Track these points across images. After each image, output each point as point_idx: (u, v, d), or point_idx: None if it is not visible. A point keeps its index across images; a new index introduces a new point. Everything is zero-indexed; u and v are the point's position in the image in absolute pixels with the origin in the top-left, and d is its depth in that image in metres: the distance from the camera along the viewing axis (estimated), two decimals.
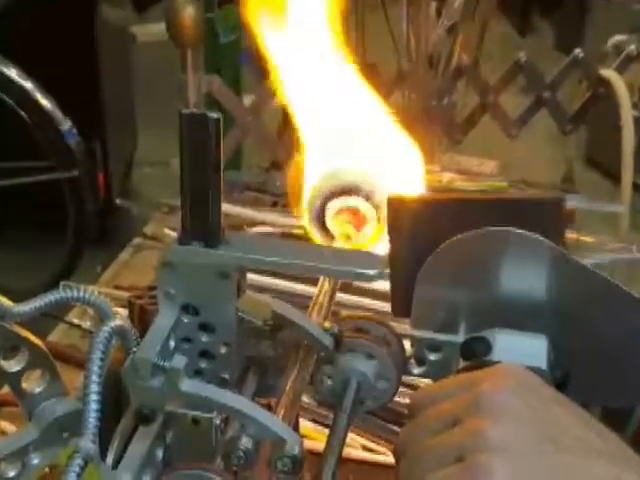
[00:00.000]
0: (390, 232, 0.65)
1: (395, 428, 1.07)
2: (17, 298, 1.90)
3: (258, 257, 0.55)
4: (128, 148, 3.21)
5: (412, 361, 0.67)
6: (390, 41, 1.78)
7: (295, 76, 0.74)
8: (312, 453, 0.98)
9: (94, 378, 0.53)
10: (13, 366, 0.59)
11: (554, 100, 1.71)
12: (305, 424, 1.05)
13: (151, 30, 3.45)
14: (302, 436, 0.93)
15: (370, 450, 1.06)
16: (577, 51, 1.69)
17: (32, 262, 2.63)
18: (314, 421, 1.07)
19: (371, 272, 0.54)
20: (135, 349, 0.57)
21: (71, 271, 2.53)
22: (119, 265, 1.47)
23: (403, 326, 0.68)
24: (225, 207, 1.49)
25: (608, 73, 1.66)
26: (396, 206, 0.64)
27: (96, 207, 2.52)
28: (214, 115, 0.51)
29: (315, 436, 1.04)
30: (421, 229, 0.63)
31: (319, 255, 0.55)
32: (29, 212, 2.71)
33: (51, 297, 0.58)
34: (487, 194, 0.67)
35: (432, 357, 0.67)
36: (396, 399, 0.68)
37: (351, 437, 1.06)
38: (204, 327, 0.57)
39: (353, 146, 0.74)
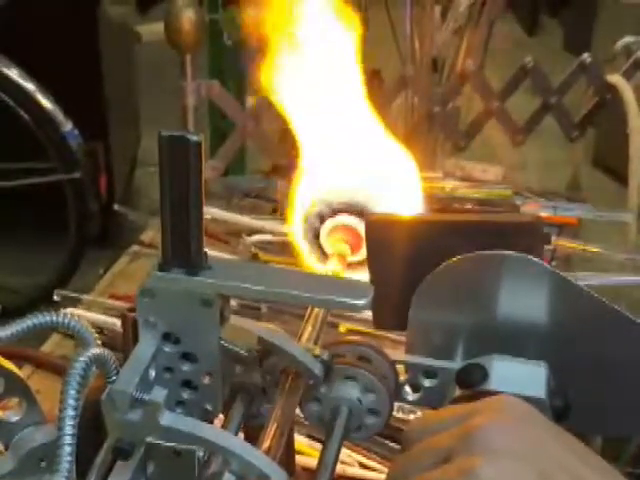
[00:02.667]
0: (369, 252, 0.65)
1: (392, 445, 1.04)
2: (19, 299, 1.89)
3: (241, 285, 0.52)
4: (131, 149, 3.19)
5: (407, 387, 0.65)
6: (393, 44, 1.76)
7: (296, 92, 0.73)
8: (306, 469, 0.97)
9: (69, 412, 0.51)
10: None
11: (560, 106, 1.68)
12: (300, 439, 1.03)
13: (156, 29, 3.42)
14: (296, 452, 0.92)
15: (367, 467, 1.04)
16: (585, 56, 1.66)
17: (34, 263, 2.62)
18: (309, 436, 1.05)
19: (359, 302, 0.52)
20: (115, 378, 0.54)
21: (72, 272, 2.51)
22: (116, 273, 1.45)
23: (397, 351, 0.66)
24: (223, 214, 1.47)
25: (615, 79, 1.63)
26: (375, 227, 0.65)
27: (98, 208, 2.50)
28: (195, 137, 0.49)
29: (310, 452, 1.02)
30: (400, 250, 0.64)
31: (305, 283, 0.53)
32: (31, 213, 2.70)
33: (29, 322, 0.56)
34: (468, 216, 0.66)
35: (427, 383, 0.65)
36: (393, 414, 0.66)
37: (347, 454, 1.04)
38: (186, 357, 0.55)
39: (351, 164, 0.72)
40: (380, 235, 0.66)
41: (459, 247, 0.61)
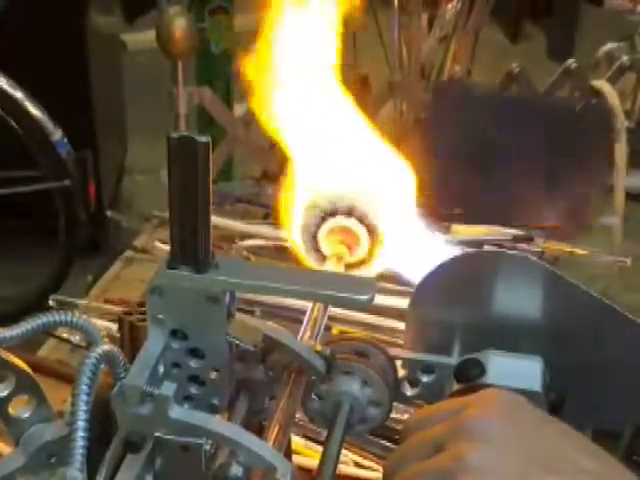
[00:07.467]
0: (433, 122, 0.65)
1: (387, 444, 1.06)
2: (9, 306, 1.89)
3: (248, 282, 0.54)
4: (119, 157, 3.20)
5: (405, 383, 0.67)
6: (382, 51, 1.78)
7: (286, 97, 0.74)
8: (303, 469, 0.98)
9: (81, 406, 0.52)
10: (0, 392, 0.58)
11: None
12: (297, 440, 1.04)
13: (142, 38, 3.44)
14: (294, 452, 0.93)
15: (361, 466, 1.05)
16: (570, 61, 1.69)
17: (23, 271, 2.62)
18: (306, 437, 1.06)
19: (362, 298, 0.53)
20: (123, 374, 0.56)
21: (62, 280, 2.52)
22: (109, 278, 1.46)
23: (396, 348, 0.67)
24: (216, 220, 1.49)
25: (600, 84, 1.65)
26: (442, 93, 0.65)
27: (87, 216, 2.51)
28: (203, 138, 0.50)
29: (307, 452, 1.03)
30: (465, 121, 0.63)
31: (310, 280, 0.55)
32: (20, 221, 2.70)
33: (38, 321, 0.57)
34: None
35: (425, 379, 0.66)
36: None
37: (342, 453, 1.05)
38: (194, 352, 0.56)
39: (346, 166, 0.74)
40: (446, 102, 0.64)
41: (526, 124, 0.61)
